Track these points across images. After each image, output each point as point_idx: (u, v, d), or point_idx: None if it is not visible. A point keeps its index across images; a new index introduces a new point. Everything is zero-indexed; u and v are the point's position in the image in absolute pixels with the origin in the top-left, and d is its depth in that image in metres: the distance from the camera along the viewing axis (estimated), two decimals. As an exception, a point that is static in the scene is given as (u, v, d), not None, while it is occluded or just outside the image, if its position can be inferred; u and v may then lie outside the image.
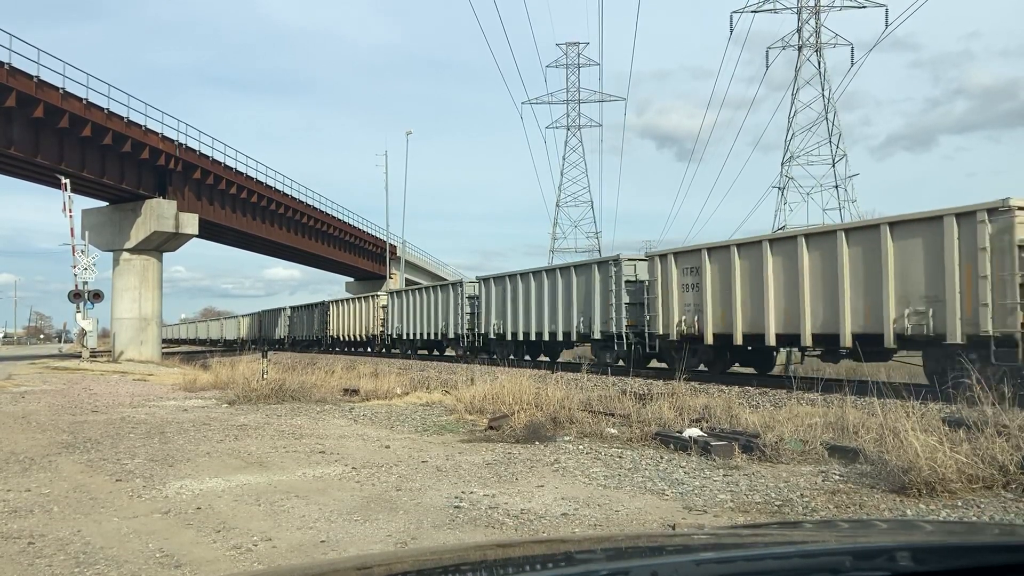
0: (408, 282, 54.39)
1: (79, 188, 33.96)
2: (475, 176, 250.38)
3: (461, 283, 29.47)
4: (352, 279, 67.80)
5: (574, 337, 22.29)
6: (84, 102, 31.30)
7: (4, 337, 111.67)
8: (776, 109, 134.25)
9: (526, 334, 24.51)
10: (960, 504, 6.08)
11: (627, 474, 7.62)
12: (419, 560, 1.87)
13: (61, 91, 30.12)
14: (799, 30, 52.58)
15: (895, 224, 13.11)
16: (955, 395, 9.89)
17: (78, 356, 36.44)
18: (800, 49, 52.63)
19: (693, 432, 9.16)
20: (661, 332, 18.56)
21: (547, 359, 24.92)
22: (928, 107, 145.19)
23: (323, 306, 46.01)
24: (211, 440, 10.23)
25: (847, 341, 13.89)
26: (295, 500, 6.65)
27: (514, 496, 6.72)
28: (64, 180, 31.81)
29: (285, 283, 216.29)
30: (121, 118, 33.49)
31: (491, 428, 10.65)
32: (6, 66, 27.68)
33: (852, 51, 52.16)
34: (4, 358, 43.83)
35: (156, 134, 35.80)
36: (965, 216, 12.02)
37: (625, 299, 20.06)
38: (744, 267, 16.14)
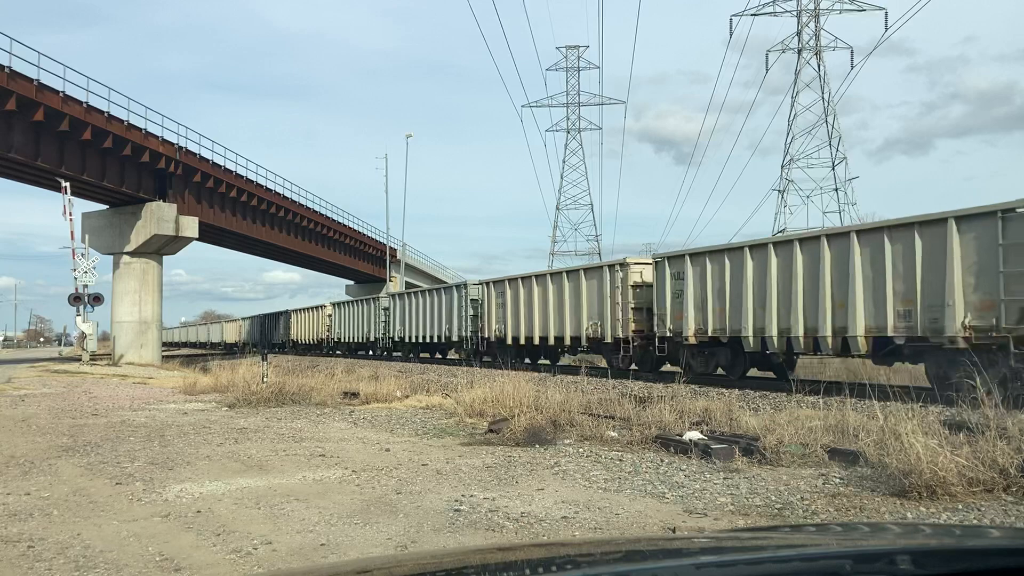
0: (408, 285, 54.44)
1: (79, 191, 33.98)
2: (475, 179, 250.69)
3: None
4: (352, 282, 67.84)
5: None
6: (84, 106, 31.32)
7: (4, 340, 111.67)
8: (775, 112, 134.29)
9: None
10: (960, 507, 6.08)
11: (627, 477, 7.62)
12: (419, 563, 1.87)
13: (61, 95, 30.14)
14: (799, 33, 52.66)
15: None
16: (956, 398, 9.90)
17: (78, 359, 36.41)
18: (800, 52, 52.73)
19: (693, 435, 9.15)
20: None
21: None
22: (924, 111, 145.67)
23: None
24: (211, 443, 10.22)
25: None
26: (295, 503, 6.64)
27: (514, 499, 6.71)
28: (64, 183, 31.82)
29: (285, 286, 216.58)
30: (121, 121, 33.51)
31: (491, 431, 10.65)
32: (6, 70, 27.71)
33: (852, 54, 52.29)
34: (4, 361, 43.82)
35: (156, 137, 35.83)
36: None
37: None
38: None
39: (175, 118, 39.23)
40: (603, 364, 22.04)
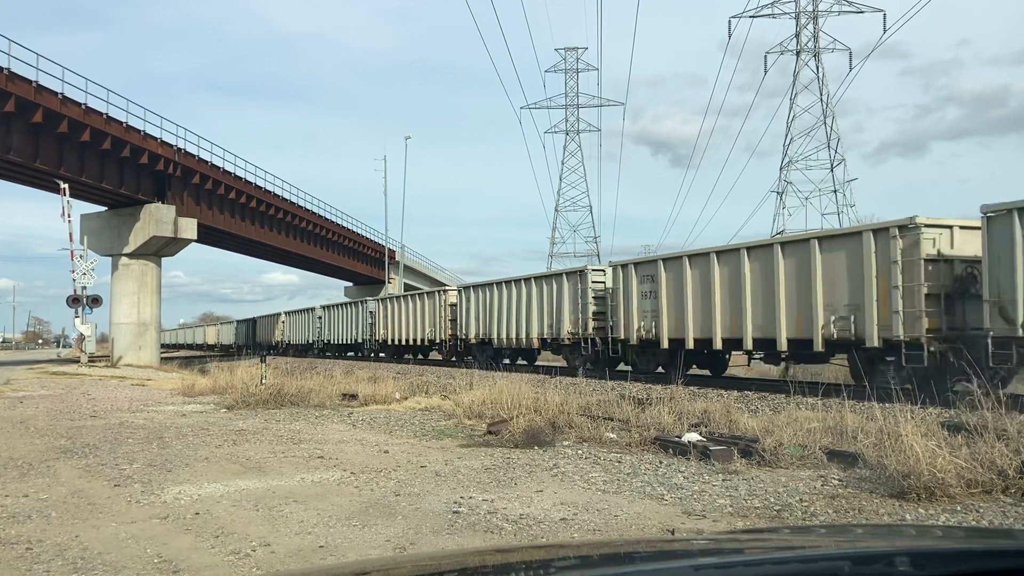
0: (407, 287, 54.42)
1: (78, 193, 33.95)
2: (474, 181, 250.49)
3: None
4: (351, 284, 67.79)
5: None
6: (83, 107, 31.29)
7: (3, 342, 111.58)
8: (774, 114, 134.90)
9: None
10: (959, 509, 6.08)
11: (626, 479, 7.62)
12: (418, 565, 1.87)
13: (60, 96, 30.12)
14: (797, 35, 52.71)
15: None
16: (954, 399, 9.91)
17: (76, 361, 36.37)
18: (798, 54, 52.77)
19: (692, 437, 9.15)
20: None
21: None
22: (920, 114, 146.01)
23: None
24: (209, 445, 10.22)
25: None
26: (294, 505, 6.64)
27: (513, 501, 6.71)
28: (63, 185, 31.80)
29: (284, 288, 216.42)
30: (120, 123, 33.49)
31: (490, 433, 10.64)
32: (5, 71, 27.68)
33: (850, 55, 52.35)
34: (2, 363, 43.77)
35: (155, 139, 35.80)
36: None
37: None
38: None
39: (174, 119, 39.51)
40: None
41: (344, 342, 41.30)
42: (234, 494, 7.14)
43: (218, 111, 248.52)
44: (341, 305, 43.40)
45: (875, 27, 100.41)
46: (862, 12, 51.32)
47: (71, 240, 33.64)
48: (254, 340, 57.36)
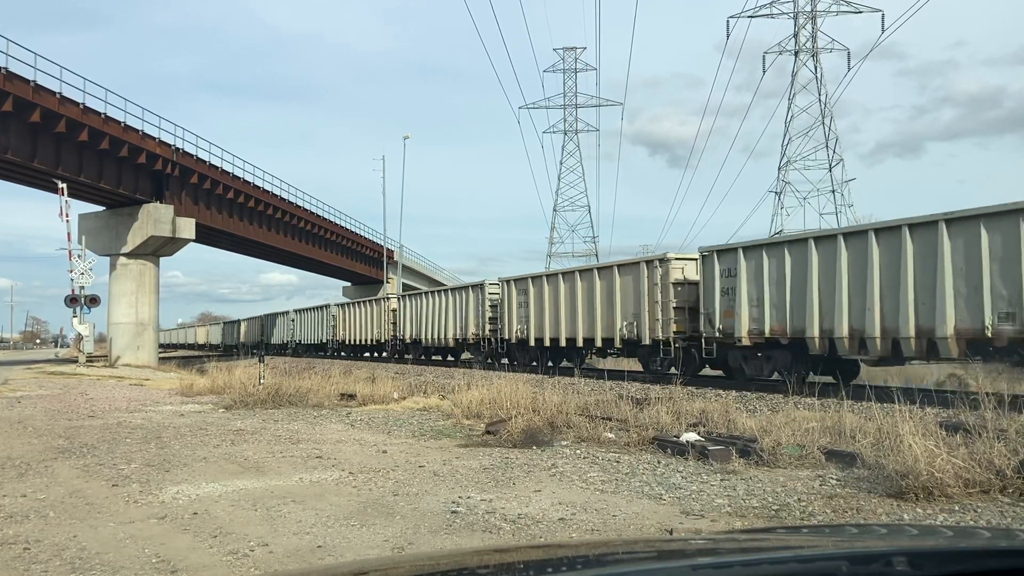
0: (406, 287, 54.36)
1: (76, 193, 33.91)
2: (473, 180, 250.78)
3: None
4: (350, 284, 67.75)
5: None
6: (81, 107, 31.26)
7: (0, 342, 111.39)
8: (772, 115, 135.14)
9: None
10: (957, 508, 6.08)
11: (624, 479, 7.62)
12: (416, 565, 1.87)
13: (58, 96, 30.08)
14: (796, 35, 52.74)
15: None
16: (952, 399, 9.92)
17: (74, 361, 36.33)
18: (797, 54, 52.79)
19: (690, 437, 9.16)
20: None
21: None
22: (916, 114, 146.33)
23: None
24: (208, 445, 10.21)
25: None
26: (292, 505, 6.63)
27: (511, 501, 6.71)
28: (61, 185, 31.76)
29: (282, 288, 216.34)
30: (118, 123, 33.46)
31: (488, 433, 10.64)
32: (3, 71, 27.64)
33: (849, 55, 52.38)
34: (0, 363, 43.72)
35: (153, 139, 35.77)
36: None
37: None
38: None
39: (173, 119, 39.47)
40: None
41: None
42: (232, 494, 7.14)
43: (217, 111, 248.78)
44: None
45: (872, 27, 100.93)
46: (860, 12, 51.39)
47: (69, 240, 33.60)
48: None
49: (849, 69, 52.94)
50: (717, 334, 16.99)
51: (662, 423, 10.26)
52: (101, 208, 38.28)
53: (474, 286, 27.94)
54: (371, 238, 62.35)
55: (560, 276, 23.19)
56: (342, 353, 40.87)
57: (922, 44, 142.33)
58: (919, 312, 12.94)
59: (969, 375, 14.09)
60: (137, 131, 34.68)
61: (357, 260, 61.55)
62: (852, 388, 12.20)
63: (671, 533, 5.64)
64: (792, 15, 52.91)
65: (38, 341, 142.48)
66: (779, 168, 52.95)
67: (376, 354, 37.99)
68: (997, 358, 12.52)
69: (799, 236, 16.63)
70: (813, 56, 52.42)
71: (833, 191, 51.47)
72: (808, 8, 52.56)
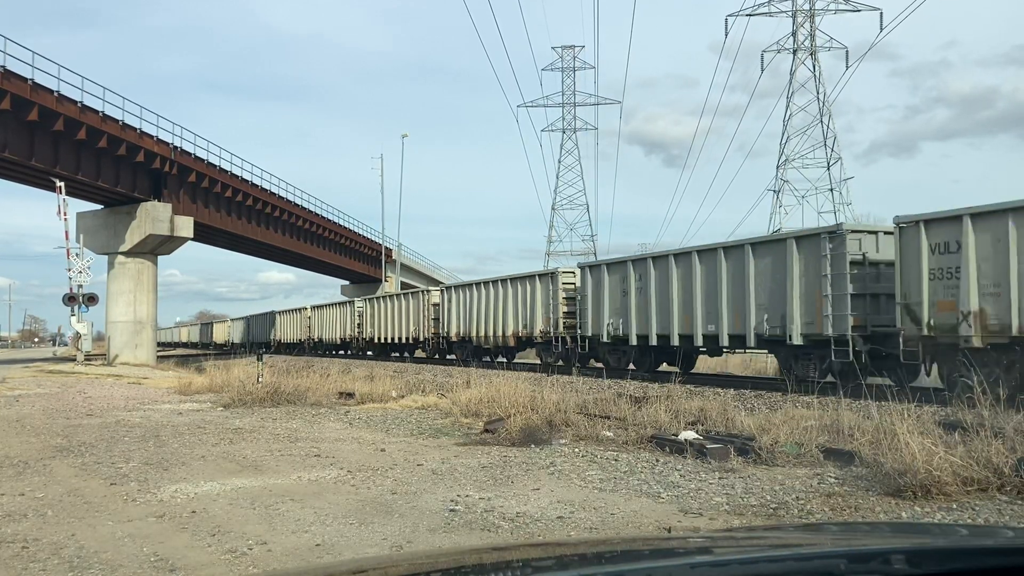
0: (404, 285, 54.34)
1: (74, 191, 33.87)
2: (471, 179, 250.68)
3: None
4: (348, 282, 67.72)
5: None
6: (79, 105, 31.22)
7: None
8: (770, 114, 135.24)
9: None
10: (955, 507, 6.09)
11: (623, 477, 7.62)
12: (414, 564, 1.87)
13: (56, 94, 30.04)
14: (794, 33, 52.75)
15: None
16: (951, 398, 9.94)
17: (73, 360, 36.30)
18: (795, 53, 52.80)
19: (689, 435, 9.16)
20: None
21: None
22: (909, 114, 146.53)
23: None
24: (206, 444, 10.20)
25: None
26: (290, 504, 6.63)
27: (510, 499, 6.71)
28: (59, 183, 31.71)
29: (280, 287, 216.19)
30: (116, 121, 33.41)
31: (487, 431, 10.64)
32: (1, 69, 27.61)
33: (847, 55, 52.39)
34: (-2, 362, 43.69)
35: (151, 137, 35.72)
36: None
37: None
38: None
39: (171, 118, 38.96)
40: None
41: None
42: (231, 492, 7.13)
43: (216, 111, 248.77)
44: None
45: (868, 27, 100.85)
46: (859, 11, 51.39)
47: (67, 238, 33.55)
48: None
49: (848, 67, 53.00)
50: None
51: (660, 421, 10.26)
52: (99, 207, 38.24)
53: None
54: (370, 237, 62.35)
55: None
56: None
57: (914, 44, 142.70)
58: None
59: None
60: (135, 129, 34.65)
61: (355, 259, 61.51)
62: (850, 387, 12.20)
63: (669, 531, 5.64)
64: (791, 13, 52.93)
65: (36, 340, 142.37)
66: (777, 167, 53.00)
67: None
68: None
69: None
70: (811, 55, 52.44)
71: (831, 189, 51.53)
72: (806, 6, 52.60)
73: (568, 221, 75.42)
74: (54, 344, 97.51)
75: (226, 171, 41.74)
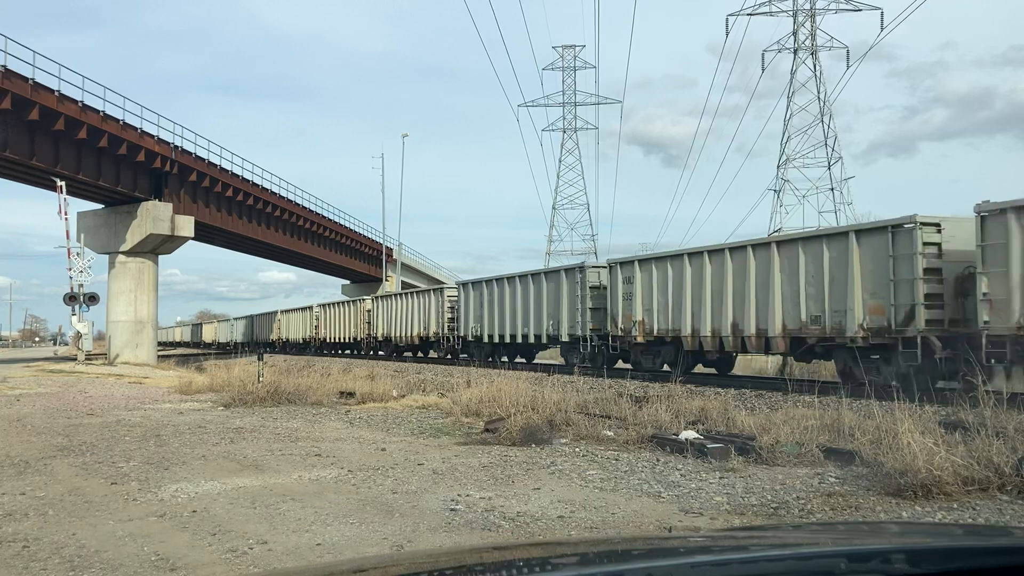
0: (405, 285, 54.31)
1: (75, 191, 33.86)
2: (471, 179, 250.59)
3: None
4: (348, 282, 67.69)
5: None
6: (80, 105, 31.20)
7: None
8: (770, 115, 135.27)
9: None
10: (956, 506, 6.09)
11: (623, 477, 7.62)
12: (415, 563, 1.87)
13: (57, 94, 30.02)
14: (795, 33, 52.71)
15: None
16: (951, 397, 9.94)
17: (74, 359, 36.30)
18: (796, 52, 52.77)
19: (689, 435, 9.17)
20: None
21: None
22: (907, 115, 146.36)
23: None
24: (207, 443, 10.21)
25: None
26: (291, 503, 6.63)
27: (510, 499, 6.72)
28: (60, 183, 31.70)
29: (280, 286, 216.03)
30: (116, 121, 33.39)
31: (487, 431, 10.64)
32: (1, 68, 27.61)
33: (848, 54, 52.36)
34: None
35: (152, 137, 35.71)
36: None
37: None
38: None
39: (172, 118, 39.02)
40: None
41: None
42: (231, 492, 7.14)
43: (216, 111, 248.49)
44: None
45: (868, 27, 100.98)
46: (860, 10, 51.32)
47: (68, 238, 33.54)
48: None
49: (848, 67, 52.95)
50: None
51: (661, 421, 10.27)
52: (100, 206, 38.23)
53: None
54: (370, 236, 62.31)
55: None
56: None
57: (911, 45, 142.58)
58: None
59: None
60: (136, 129, 34.64)
61: (356, 258, 61.50)
62: (851, 386, 12.19)
63: (670, 531, 5.64)
64: (791, 13, 52.89)
65: (37, 339, 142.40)
66: (778, 166, 52.91)
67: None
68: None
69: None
70: (812, 54, 52.42)
71: (832, 189, 51.47)
72: (807, 6, 52.57)
73: (569, 221, 75.33)
74: (55, 344, 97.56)
75: (227, 170, 41.73)
